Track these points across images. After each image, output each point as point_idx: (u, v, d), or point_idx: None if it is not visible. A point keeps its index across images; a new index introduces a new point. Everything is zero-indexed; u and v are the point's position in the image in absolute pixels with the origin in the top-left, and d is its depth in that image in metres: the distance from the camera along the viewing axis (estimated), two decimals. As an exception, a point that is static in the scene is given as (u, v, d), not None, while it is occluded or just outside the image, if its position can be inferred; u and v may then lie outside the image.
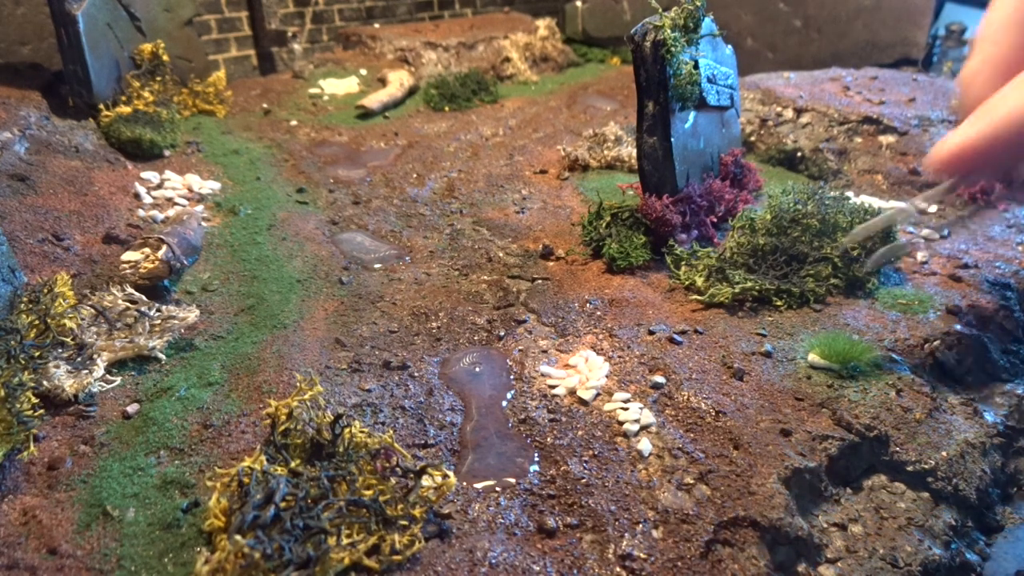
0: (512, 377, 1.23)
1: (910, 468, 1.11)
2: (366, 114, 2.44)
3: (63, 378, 1.11)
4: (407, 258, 1.63)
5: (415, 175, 2.03)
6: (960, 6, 3.57)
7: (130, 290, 1.29)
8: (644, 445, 1.06)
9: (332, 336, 1.32)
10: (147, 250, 1.37)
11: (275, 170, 1.98)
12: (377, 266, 1.59)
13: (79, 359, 1.15)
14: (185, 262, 1.43)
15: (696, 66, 1.57)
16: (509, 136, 2.33)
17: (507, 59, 2.92)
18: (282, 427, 0.96)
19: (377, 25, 3.16)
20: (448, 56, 2.85)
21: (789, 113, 2.16)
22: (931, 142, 2.00)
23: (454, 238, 1.71)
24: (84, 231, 1.50)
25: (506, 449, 1.07)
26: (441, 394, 1.19)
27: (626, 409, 1.13)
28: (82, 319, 1.20)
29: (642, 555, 0.91)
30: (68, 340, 1.16)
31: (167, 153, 1.91)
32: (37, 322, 1.14)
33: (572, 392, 1.18)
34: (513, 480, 1.02)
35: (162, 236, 1.40)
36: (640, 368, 1.23)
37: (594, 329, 1.35)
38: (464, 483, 1.01)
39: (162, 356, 1.22)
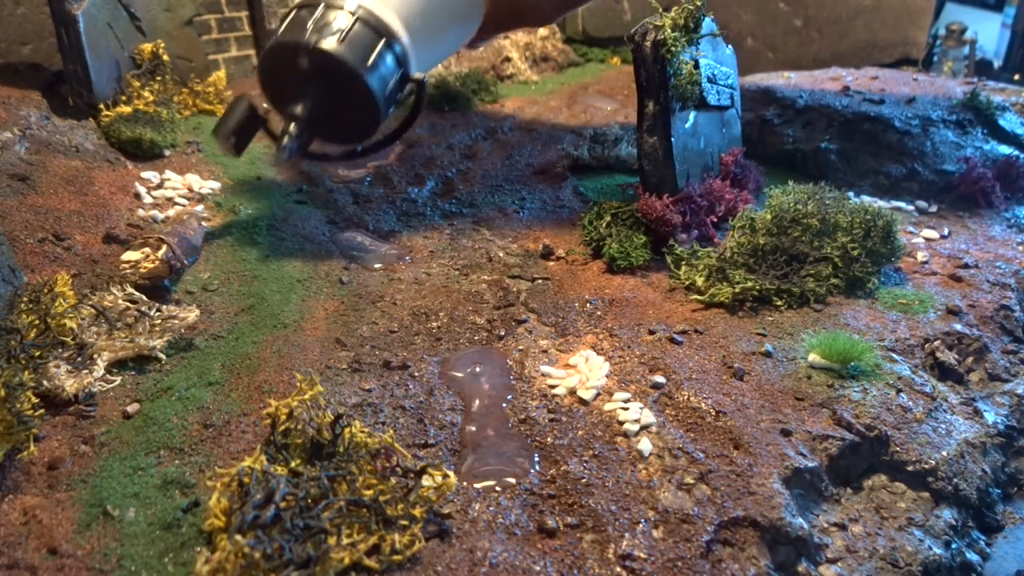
0: (512, 377, 1.23)
1: (910, 468, 1.12)
2: (366, 114, 2.43)
3: (63, 378, 1.11)
4: (407, 258, 1.63)
5: (415, 175, 2.03)
6: (960, 6, 3.57)
7: (130, 290, 1.29)
8: (644, 445, 1.06)
9: (332, 336, 1.32)
10: (147, 250, 1.37)
11: (275, 169, 1.98)
12: (377, 266, 1.59)
13: (79, 359, 1.15)
14: (185, 262, 1.43)
15: (696, 66, 1.57)
16: (509, 136, 2.33)
17: (507, 59, 2.92)
18: (282, 427, 0.96)
19: (377, 25, 3.16)
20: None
21: (789, 113, 2.16)
22: (931, 142, 2.00)
23: (454, 238, 1.71)
24: (84, 231, 1.50)
25: (506, 449, 1.07)
26: (441, 394, 1.19)
27: (626, 409, 1.13)
28: (82, 319, 1.20)
29: (642, 555, 0.91)
30: (68, 340, 1.16)
31: (167, 153, 1.91)
32: (37, 322, 1.14)
33: (572, 392, 1.18)
34: (513, 480, 1.02)
35: (162, 236, 1.40)
36: (640, 368, 1.23)
37: (594, 329, 1.35)
38: (464, 483, 1.01)
39: (162, 356, 1.22)
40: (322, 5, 1.50)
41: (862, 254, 1.47)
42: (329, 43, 1.46)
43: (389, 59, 1.54)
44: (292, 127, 1.51)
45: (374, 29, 1.51)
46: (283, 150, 1.50)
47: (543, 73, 2.97)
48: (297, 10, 1.53)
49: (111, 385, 1.16)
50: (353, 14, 1.50)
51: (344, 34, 1.47)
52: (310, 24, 1.48)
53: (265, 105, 1.60)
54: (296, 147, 1.51)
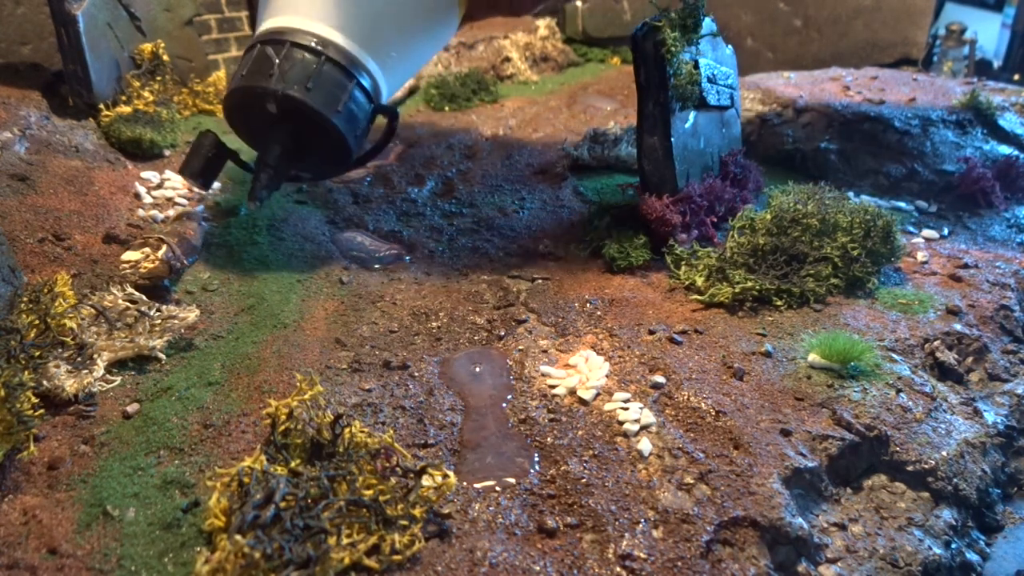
0: (512, 377, 1.23)
1: (910, 468, 1.12)
2: (366, 114, 2.43)
3: (63, 378, 1.11)
4: (407, 258, 1.63)
5: (415, 175, 2.03)
6: (960, 6, 3.57)
7: (130, 290, 1.29)
8: (644, 445, 1.06)
9: (332, 336, 1.32)
10: (147, 250, 1.37)
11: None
12: (377, 266, 1.59)
13: (79, 359, 1.15)
14: (185, 262, 1.43)
15: (696, 66, 1.57)
16: (509, 136, 2.33)
17: (507, 59, 2.92)
18: (282, 427, 0.96)
19: (377, 25, 3.16)
20: (448, 56, 2.85)
21: (789, 113, 2.16)
22: (931, 142, 2.00)
23: (454, 238, 1.71)
24: (84, 231, 1.50)
25: (506, 449, 1.07)
26: (441, 394, 1.19)
27: (626, 409, 1.13)
28: (82, 319, 1.20)
29: (642, 555, 0.91)
30: (68, 340, 1.16)
31: (167, 153, 1.91)
32: (37, 322, 1.14)
33: (572, 392, 1.18)
34: (513, 480, 1.02)
35: (162, 236, 1.40)
36: (640, 368, 1.23)
37: (594, 329, 1.35)
38: (464, 483, 1.01)
39: (162, 356, 1.22)
40: (287, 44, 1.44)
41: (862, 254, 1.47)
42: (297, 91, 1.42)
43: (359, 97, 1.50)
44: (263, 176, 1.49)
45: (342, 68, 1.46)
46: (255, 200, 1.50)
47: (543, 73, 2.97)
48: (261, 46, 1.47)
49: (111, 385, 1.16)
50: (320, 55, 1.44)
51: (312, 79, 1.42)
52: (276, 68, 1.42)
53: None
54: (267, 195, 1.52)
